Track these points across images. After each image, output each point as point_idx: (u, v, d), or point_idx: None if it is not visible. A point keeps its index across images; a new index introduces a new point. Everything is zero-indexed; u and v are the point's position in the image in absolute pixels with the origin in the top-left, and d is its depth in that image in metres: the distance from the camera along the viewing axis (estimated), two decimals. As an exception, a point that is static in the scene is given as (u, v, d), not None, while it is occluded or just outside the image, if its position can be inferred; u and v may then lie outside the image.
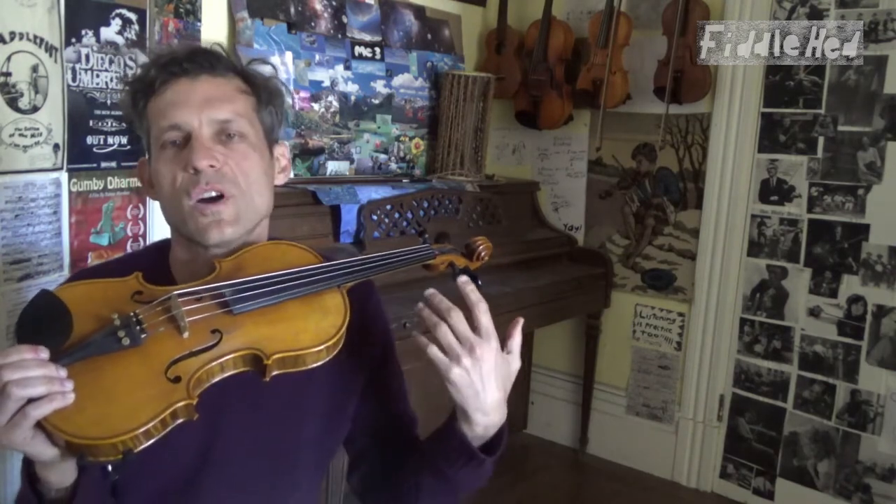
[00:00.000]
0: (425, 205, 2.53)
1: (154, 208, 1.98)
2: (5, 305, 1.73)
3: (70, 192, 1.84)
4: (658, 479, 3.00)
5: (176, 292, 0.94)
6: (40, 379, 0.81)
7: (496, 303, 2.53)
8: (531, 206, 3.13)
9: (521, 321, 1.02)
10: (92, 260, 1.90)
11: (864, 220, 2.52)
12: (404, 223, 2.46)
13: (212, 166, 0.99)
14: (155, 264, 1.08)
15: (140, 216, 2.00)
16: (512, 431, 3.31)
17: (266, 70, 1.12)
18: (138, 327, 0.89)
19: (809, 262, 2.64)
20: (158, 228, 2.00)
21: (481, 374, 0.96)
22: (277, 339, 0.94)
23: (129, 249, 1.97)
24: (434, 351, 0.95)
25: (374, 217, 2.36)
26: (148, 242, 2.00)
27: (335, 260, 1.05)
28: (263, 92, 1.08)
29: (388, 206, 2.41)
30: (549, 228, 3.12)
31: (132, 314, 0.90)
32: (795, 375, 2.70)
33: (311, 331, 0.97)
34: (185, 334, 0.91)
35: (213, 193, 1.00)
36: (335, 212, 2.30)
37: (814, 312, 2.64)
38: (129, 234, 1.98)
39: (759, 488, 2.81)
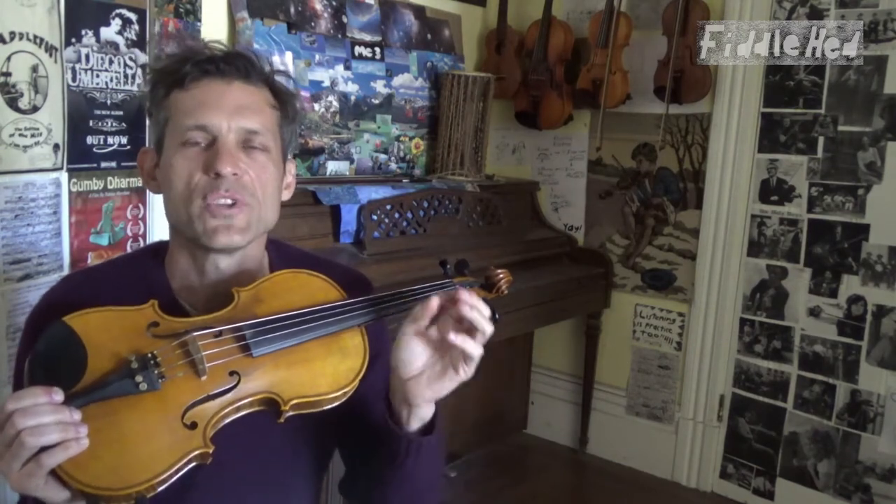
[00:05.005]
0: (425, 205, 2.53)
1: (154, 209, 1.98)
2: (5, 305, 1.73)
3: (70, 192, 1.84)
4: (658, 479, 3.00)
5: (195, 334, 0.91)
6: (54, 426, 0.79)
7: (496, 303, 2.54)
8: (531, 206, 3.13)
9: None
10: (92, 260, 1.90)
11: (864, 220, 2.52)
12: (404, 223, 2.46)
13: (234, 174, 0.99)
14: (151, 273, 1.07)
15: (140, 216, 1.99)
16: (512, 431, 3.32)
17: (290, 85, 1.11)
18: (156, 371, 0.87)
19: (809, 262, 2.64)
20: (158, 228, 2.00)
21: None
22: (296, 384, 0.93)
23: (128, 249, 1.97)
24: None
25: (374, 217, 2.36)
26: (148, 242, 2.00)
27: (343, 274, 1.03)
28: (290, 109, 1.09)
29: (388, 206, 2.41)
30: (549, 228, 3.12)
31: (149, 356, 0.88)
32: (795, 375, 2.70)
33: (329, 374, 0.95)
34: (204, 377, 0.89)
35: (230, 201, 0.99)
36: (335, 212, 2.31)
37: (814, 312, 2.64)
38: (129, 234, 1.98)
39: (759, 488, 2.80)
